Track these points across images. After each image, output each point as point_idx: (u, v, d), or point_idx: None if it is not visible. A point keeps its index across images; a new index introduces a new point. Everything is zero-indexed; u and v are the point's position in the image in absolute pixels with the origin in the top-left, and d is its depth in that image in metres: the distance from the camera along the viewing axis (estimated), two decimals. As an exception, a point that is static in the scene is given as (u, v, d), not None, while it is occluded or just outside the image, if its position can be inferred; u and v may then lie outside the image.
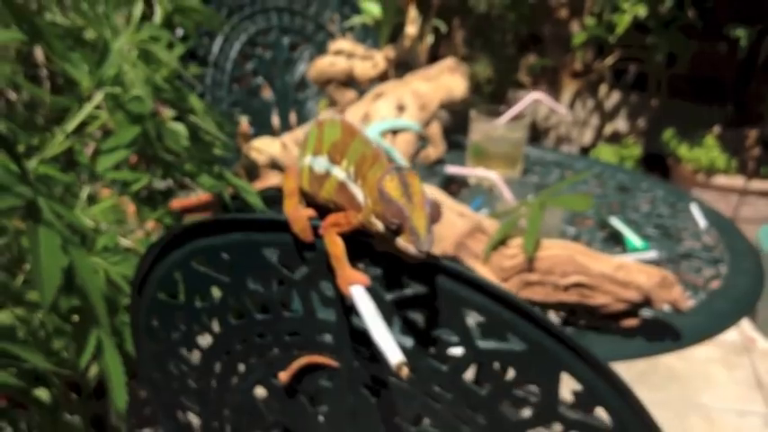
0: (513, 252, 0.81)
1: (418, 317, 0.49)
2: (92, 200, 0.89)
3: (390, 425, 0.54)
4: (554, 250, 0.80)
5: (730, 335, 2.34)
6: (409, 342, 0.50)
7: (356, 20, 1.26)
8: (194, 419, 0.66)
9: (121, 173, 0.89)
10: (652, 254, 0.98)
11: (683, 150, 2.48)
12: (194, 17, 0.89)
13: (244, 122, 1.56)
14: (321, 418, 0.57)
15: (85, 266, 0.70)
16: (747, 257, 1.01)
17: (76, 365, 0.80)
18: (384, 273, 0.48)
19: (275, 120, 1.64)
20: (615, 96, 2.90)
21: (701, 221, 1.10)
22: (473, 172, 0.96)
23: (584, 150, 2.93)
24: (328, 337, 0.52)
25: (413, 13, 1.22)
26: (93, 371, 0.83)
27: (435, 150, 1.28)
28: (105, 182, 0.90)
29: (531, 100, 1.21)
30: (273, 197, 0.92)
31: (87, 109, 0.83)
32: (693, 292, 0.92)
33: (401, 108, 0.96)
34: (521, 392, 0.49)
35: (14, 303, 0.81)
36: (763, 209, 2.44)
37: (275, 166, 0.99)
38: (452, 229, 0.82)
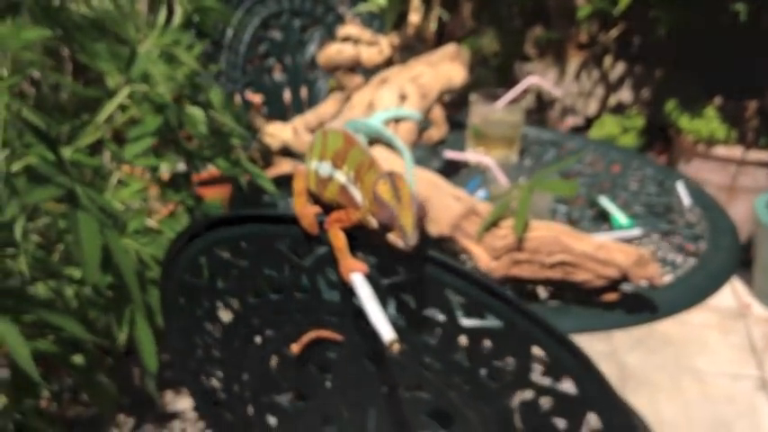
0: (504, 233, 0.88)
1: (410, 299, 0.56)
2: (120, 183, 0.96)
3: (388, 390, 0.62)
4: (541, 231, 0.87)
5: (726, 300, 2.41)
6: (402, 320, 0.57)
7: (362, 7, 1.32)
8: (216, 383, 0.75)
9: (148, 159, 0.96)
10: (636, 231, 1.05)
11: (684, 121, 2.53)
12: (212, 16, 0.96)
13: (256, 98, 1.63)
14: (328, 384, 0.65)
15: (119, 248, 0.78)
16: (726, 234, 1.08)
17: (109, 333, 0.88)
18: (380, 261, 0.55)
19: (287, 98, 1.71)
20: (620, 68, 2.94)
21: (686, 199, 1.16)
22: (469, 157, 1.03)
23: (589, 121, 2.98)
24: (333, 316, 0.60)
25: (416, 2, 1.28)
26: (122, 337, 0.91)
27: (438, 132, 1.35)
28: (131, 166, 0.98)
29: (528, 84, 1.27)
30: (283, 181, 1.00)
31: (116, 102, 0.91)
32: (672, 267, 0.99)
33: (403, 97, 1.02)
34: (499, 363, 0.57)
35: (51, 278, 0.89)
36: (761, 179, 2.49)
37: (286, 150, 1.07)
38: (448, 212, 0.89)
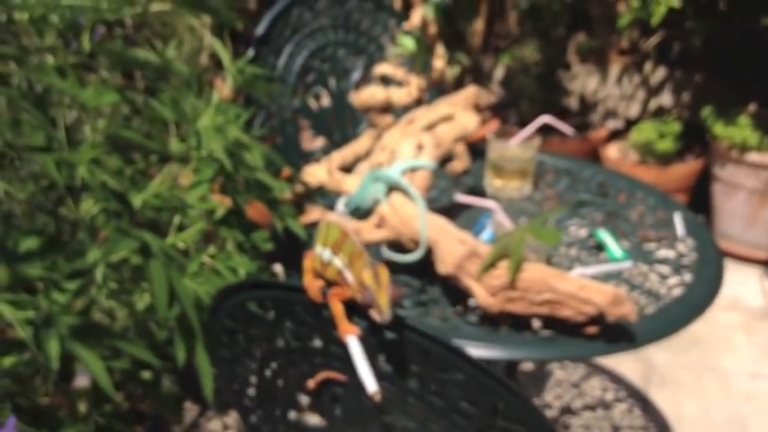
0: (500, 273, 1.01)
1: (394, 353, 0.70)
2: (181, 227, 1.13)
3: (383, 418, 0.77)
4: (531, 273, 1.00)
5: (754, 300, 2.48)
6: (390, 368, 0.72)
7: (393, 51, 1.45)
8: (253, 404, 0.91)
9: (205, 203, 1.12)
10: (627, 264, 1.16)
11: (719, 128, 2.59)
12: (260, 88, 1.12)
13: (305, 128, 1.79)
14: (338, 413, 0.80)
15: (181, 287, 0.94)
16: (711, 266, 1.18)
17: (172, 355, 1.05)
18: (370, 325, 0.70)
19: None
20: (660, 72, 2.99)
21: (680, 230, 1.27)
22: (476, 202, 1.15)
23: (630, 123, 3.05)
24: (338, 362, 0.75)
25: (440, 49, 1.41)
26: (181, 359, 1.07)
27: (461, 163, 1.48)
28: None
29: (540, 123, 1.39)
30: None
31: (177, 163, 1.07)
32: (656, 299, 1.10)
33: (420, 147, 1.16)
34: (466, 406, 0.71)
35: (128, 308, 1.07)
36: (793, 184, 2.54)
37: (320, 189, 1.22)
38: (453, 254, 1.03)
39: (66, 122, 1.04)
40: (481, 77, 3.25)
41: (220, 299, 0.80)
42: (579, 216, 1.34)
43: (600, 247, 1.24)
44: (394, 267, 1.15)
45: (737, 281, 2.60)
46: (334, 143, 1.80)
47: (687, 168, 2.79)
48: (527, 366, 2.18)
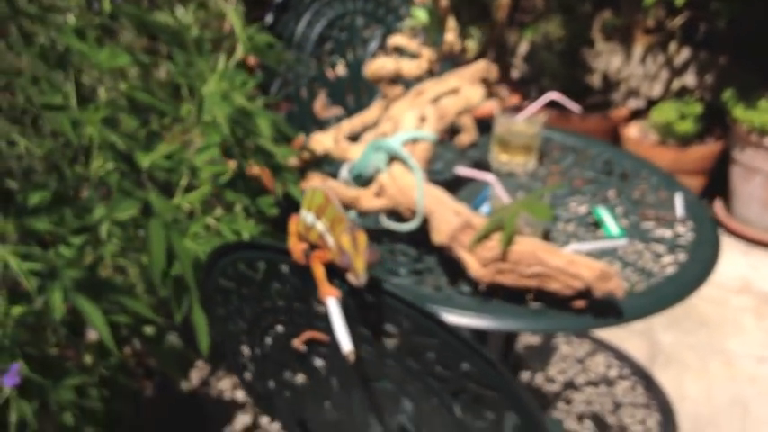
0: (492, 245, 1.03)
1: (373, 316, 0.73)
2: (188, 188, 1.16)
3: (363, 378, 0.80)
4: (522, 246, 1.02)
5: (767, 285, 2.47)
6: (367, 330, 0.74)
7: (407, 23, 1.47)
8: (246, 361, 0.94)
9: (213, 167, 1.15)
10: (623, 241, 1.18)
11: (739, 111, 2.56)
12: (270, 56, 1.14)
13: (321, 97, 1.81)
14: (324, 371, 0.83)
15: (181, 248, 0.97)
16: (707, 247, 1.19)
17: (173, 311, 1.08)
18: (351, 288, 0.72)
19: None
20: (684, 53, 2.96)
21: (680, 211, 1.28)
22: (475, 174, 1.17)
23: (652, 103, 3.02)
24: (321, 322, 0.78)
25: (451, 22, 1.42)
26: (179, 318, 1.10)
27: (468, 136, 1.49)
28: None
29: (547, 100, 1.40)
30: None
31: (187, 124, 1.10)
32: (647, 276, 1.12)
33: (423, 119, 1.18)
34: (440, 369, 0.73)
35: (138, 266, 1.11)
36: (811, 170, 2.52)
37: (326, 156, 1.24)
38: (448, 225, 1.05)
39: (86, 83, 1.07)
40: (505, 52, 3.24)
41: (213, 258, 0.83)
42: (581, 193, 1.35)
43: (598, 225, 1.25)
44: (393, 236, 1.18)
45: (751, 264, 2.59)
46: (350, 112, 1.82)
47: (706, 150, 2.77)
48: (533, 340, 2.20)
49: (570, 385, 2.02)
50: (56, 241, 1.01)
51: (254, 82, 1.10)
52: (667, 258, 1.16)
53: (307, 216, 0.73)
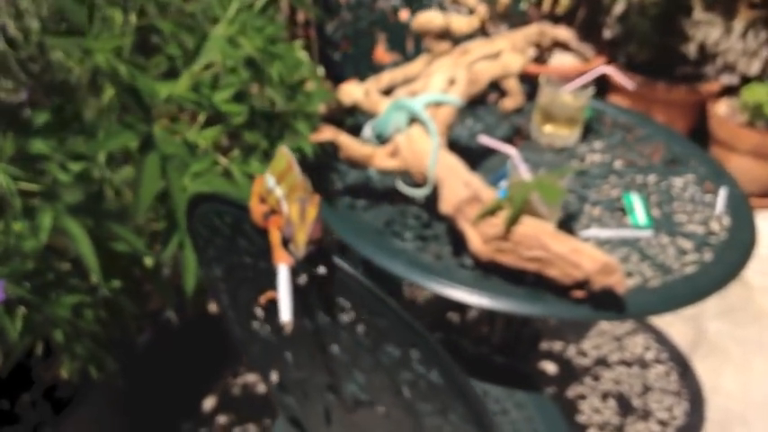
0: (497, 222, 0.97)
1: (327, 288, 0.70)
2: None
3: (319, 343, 0.77)
4: (526, 227, 0.96)
5: (835, 285, 2.30)
6: (319, 302, 0.71)
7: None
8: (224, 306, 0.93)
9: (231, 106, 1.12)
10: (647, 232, 1.10)
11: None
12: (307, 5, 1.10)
13: (381, 41, 1.75)
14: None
15: (177, 187, 0.96)
16: (737, 250, 1.10)
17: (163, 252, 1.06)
18: (308, 257, 0.69)
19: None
20: (790, 31, 2.74)
21: (720, 206, 1.18)
22: (497, 145, 1.10)
23: (746, 80, 2.82)
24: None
25: (509, -19, 1.33)
26: (168, 255, 1.09)
27: (512, 101, 1.42)
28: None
29: (599, 73, 1.30)
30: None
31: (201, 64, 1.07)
32: (663, 273, 1.04)
33: (452, 82, 1.11)
34: (390, 348, 0.70)
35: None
36: None
37: (355, 107, 1.20)
38: (455, 196, 1.00)
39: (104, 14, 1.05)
40: (599, 11, 3.06)
41: (191, 206, 0.81)
42: (618, 175, 1.26)
43: (625, 211, 1.17)
44: (408, 198, 1.14)
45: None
46: (408, 60, 1.76)
47: (795, 138, 2.58)
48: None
49: (602, 362, 1.95)
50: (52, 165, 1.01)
51: (274, 28, 1.06)
52: (691, 256, 1.08)
53: (269, 179, 0.70)
